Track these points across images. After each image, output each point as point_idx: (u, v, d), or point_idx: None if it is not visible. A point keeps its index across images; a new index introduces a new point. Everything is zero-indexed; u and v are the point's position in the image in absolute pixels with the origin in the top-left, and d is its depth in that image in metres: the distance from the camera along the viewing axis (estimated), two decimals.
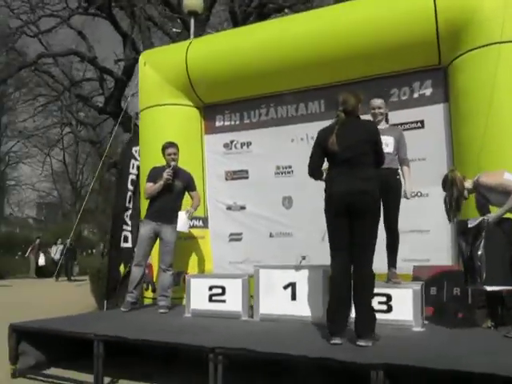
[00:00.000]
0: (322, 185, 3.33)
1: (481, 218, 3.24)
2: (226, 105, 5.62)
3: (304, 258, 4.32)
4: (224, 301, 4.11)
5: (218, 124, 5.73)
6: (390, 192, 3.77)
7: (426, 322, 3.57)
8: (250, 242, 5.45)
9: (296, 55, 4.83)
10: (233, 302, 4.07)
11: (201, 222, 5.53)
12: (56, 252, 17.10)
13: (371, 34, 4.48)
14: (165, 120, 5.54)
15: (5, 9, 11.19)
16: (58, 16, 11.43)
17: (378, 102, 4.00)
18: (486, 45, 4.01)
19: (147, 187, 4.67)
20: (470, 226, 3.23)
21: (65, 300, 8.13)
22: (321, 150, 3.29)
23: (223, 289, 4.13)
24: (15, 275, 17.45)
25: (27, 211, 36.19)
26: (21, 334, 3.78)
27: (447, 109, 4.49)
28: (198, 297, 4.24)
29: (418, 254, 4.50)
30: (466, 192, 3.38)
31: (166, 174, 4.53)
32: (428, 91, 4.63)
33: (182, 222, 4.56)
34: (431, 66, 4.54)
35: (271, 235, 5.38)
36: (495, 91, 3.93)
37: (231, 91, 5.40)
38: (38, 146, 25.63)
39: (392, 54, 4.49)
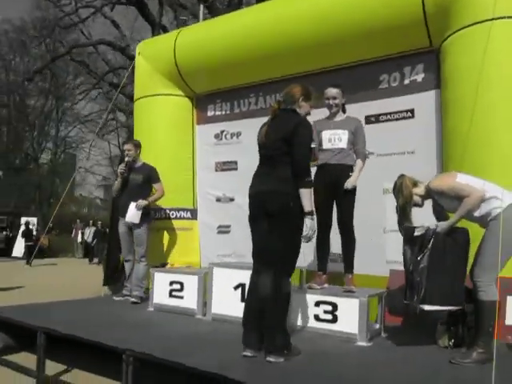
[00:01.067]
0: None
1: (427, 227, 2.83)
2: (217, 94, 5.46)
3: None
4: (182, 297, 3.98)
5: (209, 114, 5.58)
6: (341, 190, 3.42)
7: (384, 335, 3.21)
8: (238, 234, 5.27)
9: (281, 40, 4.55)
10: (190, 299, 3.95)
11: (189, 213, 5.43)
12: (89, 235, 17.56)
13: (356, 16, 4.11)
14: (157, 110, 5.50)
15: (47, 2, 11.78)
16: (93, 6, 11.81)
17: (332, 91, 3.63)
18: (477, 22, 3.52)
19: (114, 185, 4.79)
20: (416, 234, 2.82)
21: (80, 283, 8.40)
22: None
23: (182, 285, 4.01)
24: (66, 254, 18.58)
25: (96, 193, 38.05)
26: None
27: (439, 96, 4.01)
28: (160, 291, 4.15)
29: (400, 257, 4.09)
30: (416, 199, 2.95)
31: (119, 169, 4.72)
32: (420, 77, 4.17)
33: (131, 212, 4.58)
34: (422, 49, 4.09)
35: None
36: (484, 73, 3.44)
37: (221, 80, 5.23)
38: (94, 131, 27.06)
39: (379, 36, 4.09)
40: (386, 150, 4.30)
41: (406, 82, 4.22)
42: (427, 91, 4.10)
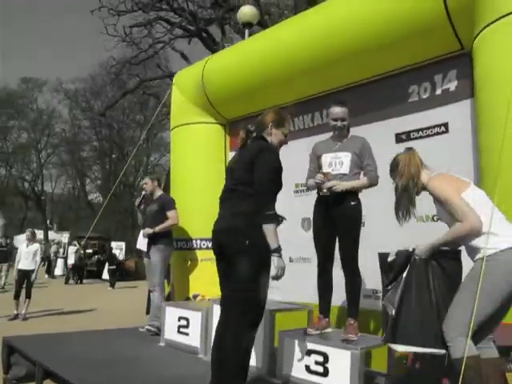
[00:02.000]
0: None
1: (404, 250, 2.36)
2: (248, 119, 5.28)
3: None
4: (187, 334, 3.75)
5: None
6: (343, 221, 2.99)
7: None
8: None
9: (306, 57, 4.23)
10: (194, 336, 3.70)
11: None
12: None
13: (377, 23, 3.68)
14: (190, 139, 5.50)
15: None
16: (162, 41, 12.53)
17: (340, 111, 3.20)
18: (505, 15, 2.91)
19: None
20: (389, 259, 2.30)
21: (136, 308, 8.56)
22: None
23: (188, 321, 3.78)
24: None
25: None
26: (11, 347, 4.01)
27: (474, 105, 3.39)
28: (170, 326, 3.97)
29: None
30: (420, 183, 2.47)
31: (135, 202, 4.94)
32: (453, 85, 3.58)
33: (139, 240, 4.59)
34: (453, 53, 3.52)
35: (291, 260, 4.79)
36: None
37: (249, 104, 5.04)
38: None
39: (403, 43, 3.61)
40: None
41: (438, 92, 3.65)
42: (462, 101, 3.50)
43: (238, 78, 4.85)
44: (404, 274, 2.28)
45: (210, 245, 5.29)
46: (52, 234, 36.53)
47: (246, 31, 6.79)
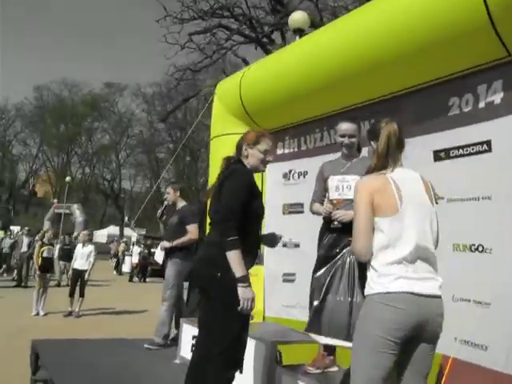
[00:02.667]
0: None
1: None
2: (286, 130, 5.09)
3: None
4: None
5: (278, 152, 5.20)
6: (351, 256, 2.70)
7: None
8: (303, 284, 4.69)
9: (341, 65, 3.96)
10: None
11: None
12: None
13: (412, 29, 3.33)
14: (228, 149, 5.35)
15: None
16: (224, 47, 12.62)
17: (350, 127, 2.99)
18: None
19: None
20: None
21: None
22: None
23: None
24: None
25: None
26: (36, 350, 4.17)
27: None
28: (185, 344, 3.86)
29: (473, 336, 3.07)
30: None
31: (157, 213, 4.75)
32: (498, 97, 3.13)
33: (157, 253, 4.49)
34: (499, 60, 3.07)
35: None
36: None
37: (286, 115, 4.85)
38: None
39: (442, 50, 3.23)
40: (457, 193, 3.33)
41: (481, 105, 3.22)
42: (507, 115, 3.05)
43: (274, 87, 4.67)
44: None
45: None
46: (128, 231, 38.61)
47: (297, 37, 6.58)
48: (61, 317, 7.93)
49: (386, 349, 1.78)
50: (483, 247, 3.11)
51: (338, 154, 4.30)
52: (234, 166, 2.53)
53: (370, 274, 1.93)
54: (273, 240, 2.75)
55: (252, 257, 2.44)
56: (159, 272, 18.99)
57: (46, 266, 8.00)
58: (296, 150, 5.01)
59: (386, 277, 1.85)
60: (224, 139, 5.48)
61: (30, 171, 52.62)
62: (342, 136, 2.99)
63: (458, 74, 3.32)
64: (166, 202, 4.85)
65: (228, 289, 2.21)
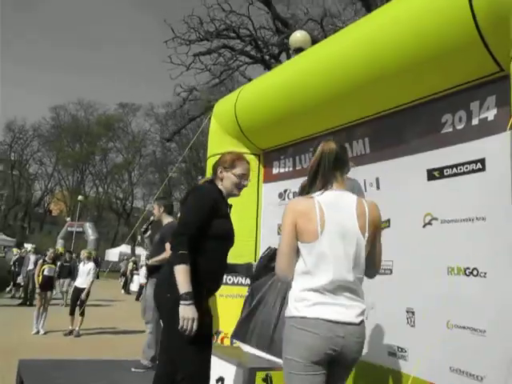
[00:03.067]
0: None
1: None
2: (281, 149, 5.01)
3: None
4: None
5: (274, 171, 5.13)
6: None
7: None
8: None
9: (332, 83, 3.90)
10: None
11: (244, 279, 4.96)
12: None
13: (404, 44, 3.26)
14: None
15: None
16: (231, 68, 12.74)
17: None
18: None
19: None
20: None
21: None
22: None
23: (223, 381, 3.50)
24: None
25: None
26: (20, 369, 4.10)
27: None
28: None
29: (468, 365, 2.89)
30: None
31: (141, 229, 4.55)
32: (491, 113, 3.02)
33: (142, 272, 4.41)
34: (491, 76, 2.97)
35: None
36: None
37: (282, 133, 4.78)
38: None
39: (433, 67, 3.14)
40: (451, 215, 3.20)
41: (475, 122, 3.11)
42: (501, 133, 2.92)
43: (267, 106, 4.61)
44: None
45: (235, 280, 5.06)
46: (140, 250, 38.69)
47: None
48: (61, 335, 7.85)
49: (302, 371, 1.81)
50: (478, 271, 2.96)
51: None
52: (199, 185, 2.52)
53: (289, 295, 1.95)
54: (248, 269, 2.68)
55: (213, 277, 2.36)
56: None
57: (46, 284, 7.97)
58: (291, 169, 4.92)
59: (303, 301, 1.86)
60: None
61: (45, 190, 53.43)
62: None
63: (451, 91, 3.23)
64: (151, 218, 4.77)
65: (176, 312, 2.08)
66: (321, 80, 3.95)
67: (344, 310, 1.85)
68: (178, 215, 4.91)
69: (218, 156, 5.25)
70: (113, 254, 38.23)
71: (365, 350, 3.62)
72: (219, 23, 12.34)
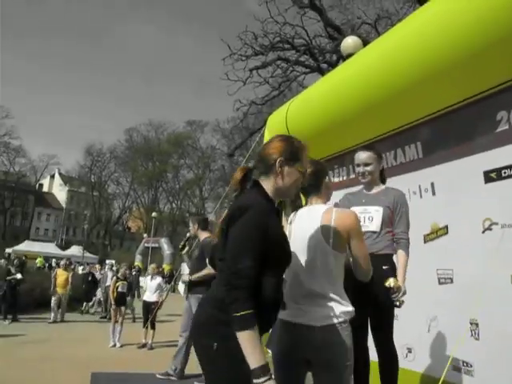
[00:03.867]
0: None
1: None
2: (334, 159, 4.95)
3: None
4: None
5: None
6: (370, 289, 2.45)
7: None
8: None
9: (379, 86, 3.81)
10: None
11: None
12: None
13: (449, 39, 3.11)
14: None
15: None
16: (289, 79, 12.75)
17: (363, 155, 2.84)
18: None
19: None
20: None
21: None
22: None
23: None
24: None
25: None
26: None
27: None
28: None
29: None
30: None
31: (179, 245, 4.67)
32: None
33: (180, 285, 4.52)
34: None
35: None
36: None
37: (332, 143, 4.73)
38: None
39: (483, 60, 2.97)
40: (511, 218, 2.98)
41: None
42: None
43: (316, 115, 4.61)
44: None
45: None
46: None
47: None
48: (135, 348, 8.21)
49: (278, 368, 2.04)
50: None
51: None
52: (246, 197, 1.82)
53: None
54: None
55: (273, 313, 1.81)
56: None
57: (120, 300, 8.39)
58: (345, 178, 4.85)
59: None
60: None
61: (122, 208, 56.67)
62: (358, 165, 2.85)
63: (504, 86, 3.03)
64: (188, 234, 4.90)
65: (226, 366, 1.66)
66: (368, 84, 3.88)
67: (305, 313, 1.99)
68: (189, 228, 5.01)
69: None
70: (185, 267, 39.38)
71: (427, 364, 3.48)
72: (273, 36, 12.55)
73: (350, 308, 2.02)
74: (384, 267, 2.60)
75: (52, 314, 10.93)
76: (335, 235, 2.02)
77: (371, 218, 2.72)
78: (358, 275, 2.13)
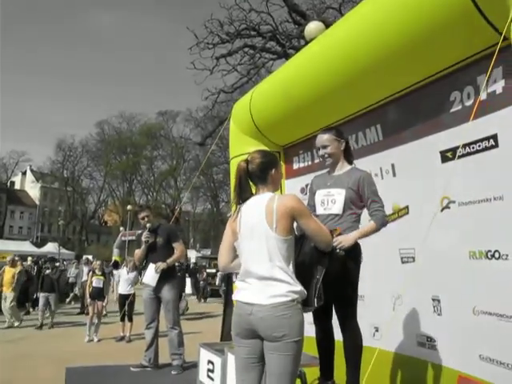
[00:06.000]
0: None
1: None
2: (300, 144, 4.97)
3: None
4: (213, 379, 3.55)
5: (295, 167, 5.09)
6: (333, 274, 2.49)
7: None
8: None
9: (339, 69, 3.81)
10: (218, 382, 3.46)
11: None
12: None
13: (407, 23, 3.13)
14: None
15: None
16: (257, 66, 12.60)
17: (322, 138, 2.88)
18: None
19: (135, 254, 4.82)
20: None
21: None
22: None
23: (213, 365, 3.58)
24: None
25: None
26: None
27: None
28: (203, 368, 3.81)
29: (498, 353, 2.77)
30: None
31: (143, 238, 4.77)
32: (499, 86, 2.86)
33: (150, 275, 4.46)
34: (494, 46, 2.80)
35: None
36: None
37: (296, 128, 4.74)
38: None
39: (432, 43, 3.00)
40: (468, 196, 3.06)
41: (483, 96, 2.94)
42: (511, 105, 2.76)
43: (279, 101, 4.58)
44: None
45: None
46: (192, 253, 39.54)
47: None
48: (113, 342, 8.19)
49: (235, 342, 2.30)
50: (499, 253, 2.81)
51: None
52: None
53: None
54: None
55: None
56: (217, 292, 19.38)
57: (96, 294, 8.33)
58: (310, 163, 4.87)
59: (235, 289, 2.38)
60: (240, 160, 5.47)
61: (97, 202, 55.79)
62: (318, 148, 2.87)
63: (456, 67, 3.08)
64: (148, 225, 4.83)
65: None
66: (327, 68, 3.87)
67: (254, 293, 2.19)
68: (145, 219, 4.88)
69: (240, 157, 5.39)
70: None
71: (395, 341, 3.57)
72: (239, 23, 12.42)
73: (299, 287, 2.17)
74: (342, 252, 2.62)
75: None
76: (278, 220, 2.18)
77: (334, 200, 2.74)
78: (320, 248, 2.31)
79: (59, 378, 4.79)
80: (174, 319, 4.67)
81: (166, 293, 4.67)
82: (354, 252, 2.67)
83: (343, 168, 2.86)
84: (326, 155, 2.85)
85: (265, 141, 5.18)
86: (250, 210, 2.30)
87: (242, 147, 5.43)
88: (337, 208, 2.71)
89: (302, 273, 2.25)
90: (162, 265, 4.64)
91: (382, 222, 2.75)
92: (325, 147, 2.84)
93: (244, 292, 2.26)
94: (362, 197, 2.73)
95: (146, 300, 4.83)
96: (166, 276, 4.67)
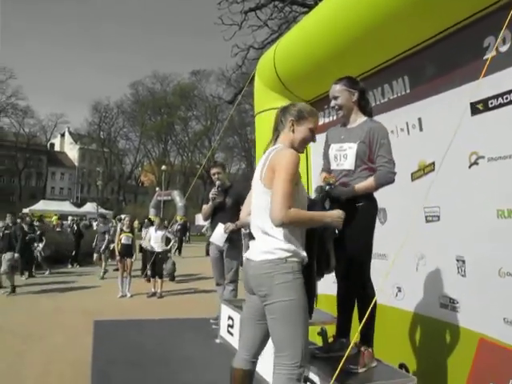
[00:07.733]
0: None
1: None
2: (325, 99, 4.74)
3: None
4: (232, 334, 3.60)
5: (320, 122, 4.88)
6: (347, 225, 2.38)
7: None
8: None
9: (365, 19, 3.57)
10: (236, 338, 3.51)
11: None
12: None
13: None
14: (270, 124, 5.20)
15: None
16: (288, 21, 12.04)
17: (334, 88, 2.67)
18: None
19: (202, 209, 4.70)
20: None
21: None
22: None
23: (233, 320, 3.62)
24: None
25: None
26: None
27: None
28: (224, 324, 3.88)
29: None
30: None
31: (210, 194, 4.52)
32: None
33: (218, 235, 4.39)
34: None
35: None
36: None
37: (321, 82, 4.52)
38: None
39: None
40: (500, 151, 2.85)
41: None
42: None
43: (303, 51, 4.37)
44: None
45: None
46: None
47: None
48: (145, 298, 8.48)
49: (245, 297, 2.29)
50: None
51: (379, 116, 3.97)
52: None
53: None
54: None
55: None
56: None
57: (125, 251, 8.55)
58: (335, 118, 4.69)
59: None
60: (266, 115, 5.31)
61: (134, 163, 56.95)
62: (331, 100, 2.70)
63: (491, 9, 2.80)
64: (218, 182, 4.68)
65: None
66: (351, 18, 3.64)
67: (252, 248, 2.19)
68: (216, 176, 4.77)
69: (265, 112, 5.26)
70: (198, 219, 39.88)
71: (417, 302, 3.49)
72: None
73: (287, 245, 2.07)
74: (358, 204, 2.53)
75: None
76: (265, 173, 2.15)
77: (346, 155, 2.61)
78: (269, 213, 2.05)
79: (89, 330, 5.04)
80: (232, 277, 4.70)
81: (229, 252, 4.69)
82: (367, 207, 2.55)
83: (357, 120, 2.70)
84: (337, 106, 2.68)
85: (290, 95, 5.00)
86: (260, 162, 2.28)
87: (267, 102, 5.30)
88: (348, 163, 2.58)
89: (312, 240, 2.17)
90: (231, 226, 4.53)
91: (385, 179, 2.55)
92: (335, 98, 2.68)
93: (250, 249, 2.25)
94: (371, 150, 2.56)
95: (213, 259, 4.86)
96: (231, 237, 4.68)
